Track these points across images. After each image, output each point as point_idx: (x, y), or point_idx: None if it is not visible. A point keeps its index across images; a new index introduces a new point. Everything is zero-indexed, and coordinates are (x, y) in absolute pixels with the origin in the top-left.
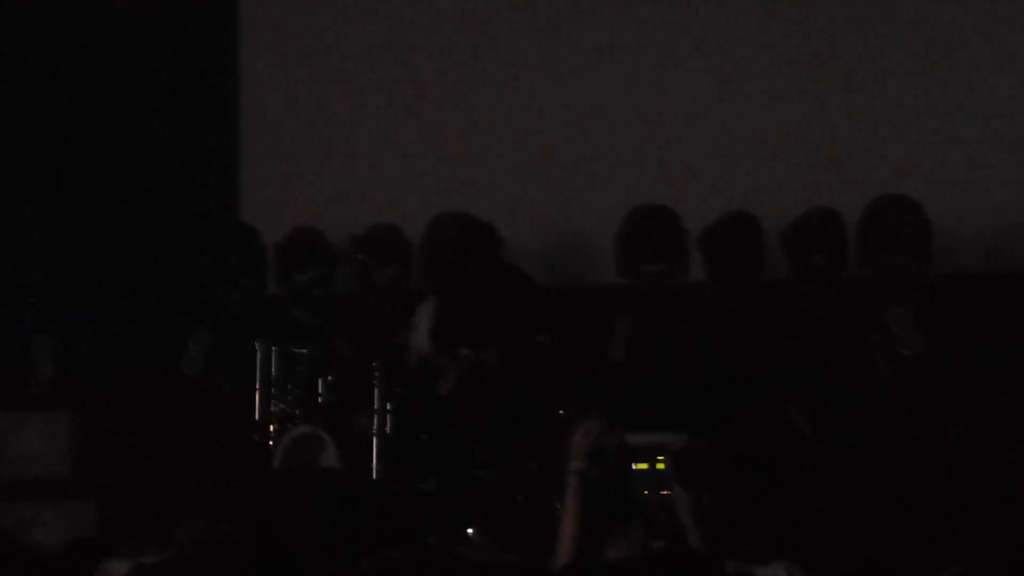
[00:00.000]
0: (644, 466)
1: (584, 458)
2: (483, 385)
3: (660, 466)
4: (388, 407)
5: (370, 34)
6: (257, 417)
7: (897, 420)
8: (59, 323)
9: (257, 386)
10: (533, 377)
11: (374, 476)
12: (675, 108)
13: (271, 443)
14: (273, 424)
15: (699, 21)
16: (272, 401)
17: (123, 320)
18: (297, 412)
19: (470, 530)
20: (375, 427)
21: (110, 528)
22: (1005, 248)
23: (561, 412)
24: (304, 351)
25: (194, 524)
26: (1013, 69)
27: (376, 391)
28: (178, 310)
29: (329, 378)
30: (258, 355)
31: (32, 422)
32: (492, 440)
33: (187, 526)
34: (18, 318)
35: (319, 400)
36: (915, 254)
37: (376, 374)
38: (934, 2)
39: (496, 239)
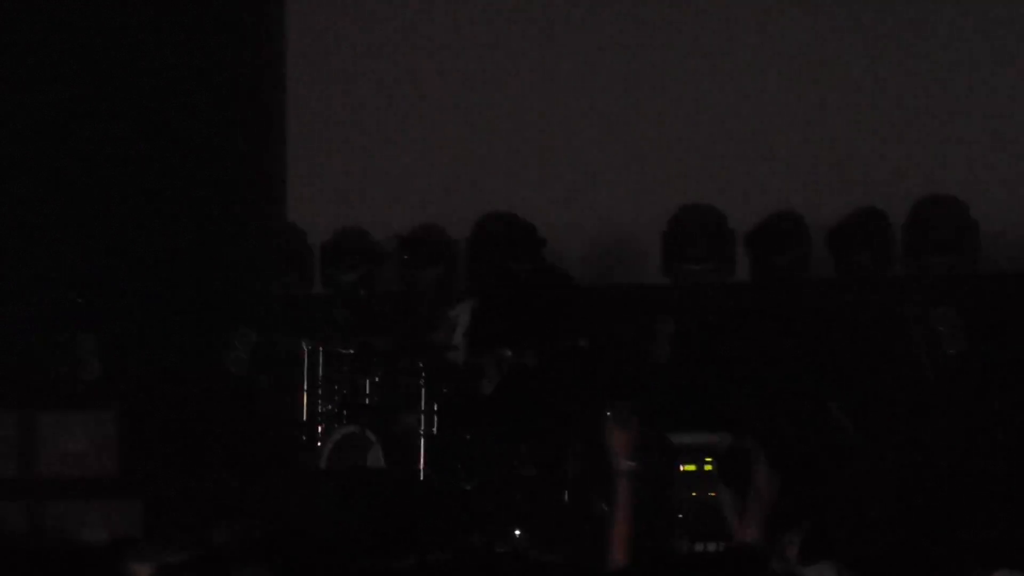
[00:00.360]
0: (692, 467)
1: (633, 456)
2: (524, 386)
3: (708, 467)
4: (434, 407)
5: (416, 38)
6: (303, 417)
7: (941, 418)
8: (104, 321)
9: (303, 386)
10: (571, 379)
11: (420, 476)
12: (721, 108)
13: (318, 443)
14: (319, 424)
15: (742, 23)
16: (318, 401)
17: (169, 318)
18: (343, 412)
19: (516, 531)
20: (421, 427)
21: (156, 526)
22: None
23: (608, 413)
24: (349, 351)
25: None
26: None
27: (422, 391)
28: (224, 309)
29: (375, 378)
30: (303, 355)
31: (78, 421)
32: (534, 440)
33: (221, 527)
34: (63, 316)
35: (365, 400)
36: (960, 254)
37: (422, 374)
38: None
39: (538, 239)
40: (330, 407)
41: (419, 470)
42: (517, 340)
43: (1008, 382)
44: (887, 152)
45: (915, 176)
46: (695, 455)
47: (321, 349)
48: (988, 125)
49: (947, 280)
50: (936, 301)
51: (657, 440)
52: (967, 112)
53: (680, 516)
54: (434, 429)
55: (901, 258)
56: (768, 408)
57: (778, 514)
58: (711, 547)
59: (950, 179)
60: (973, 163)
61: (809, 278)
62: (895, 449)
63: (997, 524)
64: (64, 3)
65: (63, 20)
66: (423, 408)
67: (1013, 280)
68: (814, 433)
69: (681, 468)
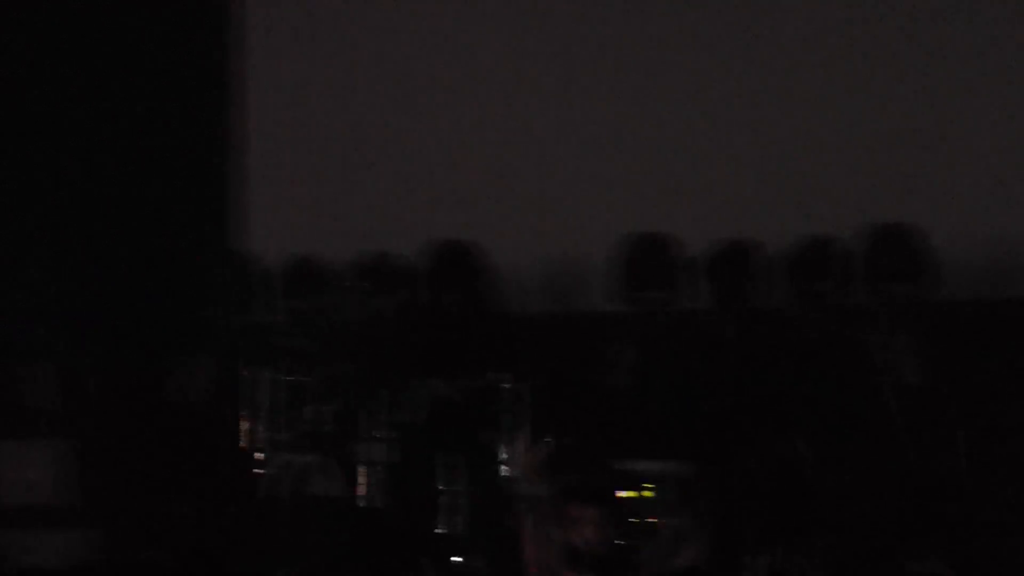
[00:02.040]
0: (632, 494)
1: (535, 479)
2: (448, 415)
3: (647, 494)
4: (392, 435)
5: (373, 63)
6: (260, 446)
7: (901, 447)
8: (61, 351)
9: (259, 415)
10: (490, 414)
11: (377, 504)
12: (677, 134)
13: (273, 471)
14: (275, 452)
15: (698, 49)
16: (274, 430)
17: (124, 347)
18: (300, 440)
19: (457, 558)
20: (379, 455)
21: (114, 555)
22: (1012, 275)
23: (547, 440)
24: (306, 379)
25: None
26: (1017, 96)
27: (381, 419)
28: (181, 338)
29: (332, 407)
30: (260, 383)
31: (34, 450)
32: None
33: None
34: (22, 346)
35: (321, 428)
36: (920, 282)
37: (367, 402)
38: (938, 33)
39: (470, 268)
40: (286, 436)
41: (378, 498)
42: (445, 372)
43: (970, 411)
44: (847, 179)
45: (875, 204)
46: (651, 483)
47: (278, 378)
48: (947, 153)
49: (907, 309)
50: (896, 330)
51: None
52: (927, 140)
53: (622, 543)
54: (391, 458)
55: (861, 286)
56: (726, 436)
57: (741, 540)
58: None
59: (910, 207)
60: (933, 191)
61: (767, 306)
62: (855, 477)
63: (949, 553)
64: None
65: None
66: (380, 437)
67: (974, 308)
68: (773, 461)
69: (622, 495)
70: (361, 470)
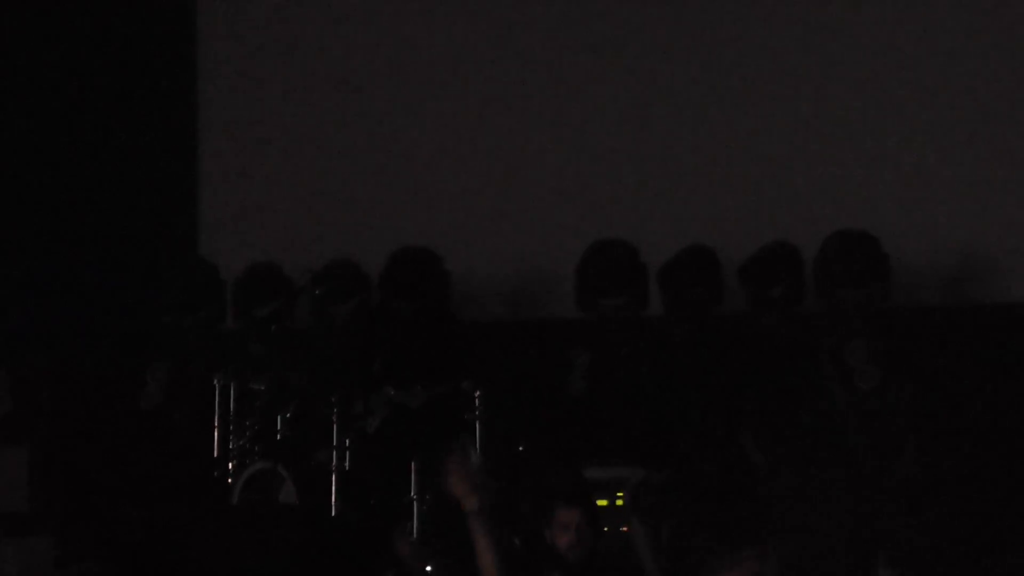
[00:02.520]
0: (604, 502)
1: (473, 495)
2: (406, 425)
3: (619, 502)
4: (347, 442)
5: (330, 70)
6: (215, 452)
7: (852, 453)
8: (15, 357)
9: (215, 421)
10: (452, 421)
11: (332, 512)
12: (633, 142)
13: (229, 479)
14: (231, 459)
15: (657, 58)
16: (230, 436)
17: (80, 354)
18: (255, 447)
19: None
20: (334, 462)
21: (66, 562)
22: (963, 282)
23: (520, 448)
24: (262, 386)
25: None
26: (974, 106)
27: (334, 426)
28: (135, 344)
29: (287, 413)
30: (216, 390)
31: None
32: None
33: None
34: None
35: (277, 435)
36: (872, 288)
37: (335, 409)
38: (895, 39)
39: (427, 276)
40: (242, 442)
41: (332, 506)
42: (399, 379)
43: (922, 417)
44: (798, 186)
45: (826, 210)
46: (607, 489)
47: (233, 384)
48: (899, 158)
49: (859, 314)
50: (848, 335)
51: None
52: (878, 145)
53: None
54: (346, 465)
55: (813, 292)
56: (681, 441)
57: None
58: None
59: (861, 213)
60: (884, 197)
61: (722, 312)
62: (808, 483)
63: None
64: None
65: None
66: (336, 443)
67: (926, 314)
68: (727, 466)
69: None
70: (318, 477)
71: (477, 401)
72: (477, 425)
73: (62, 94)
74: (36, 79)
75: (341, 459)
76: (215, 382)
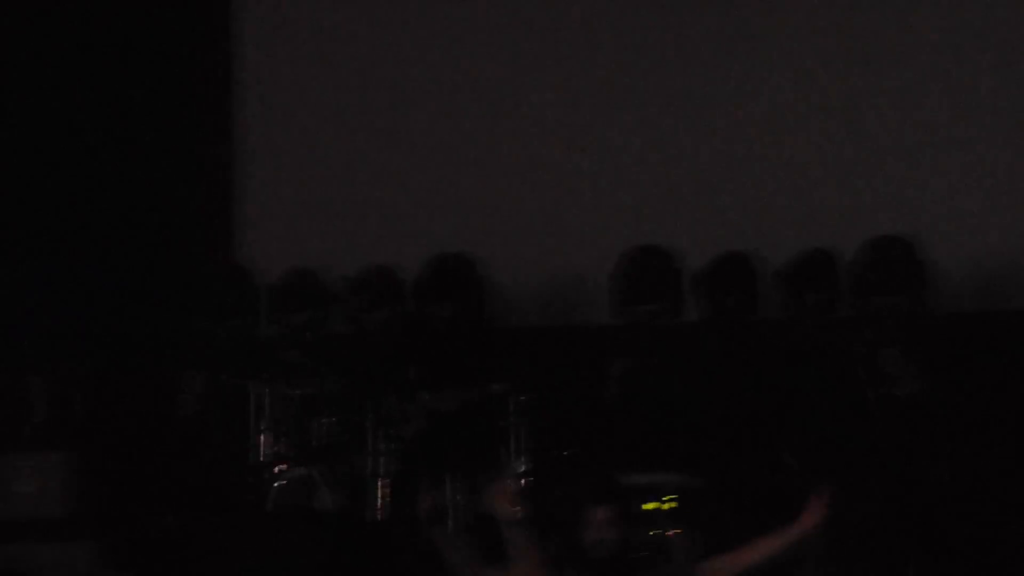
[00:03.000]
0: (653, 505)
1: (513, 511)
2: (442, 430)
3: (668, 506)
4: (382, 448)
5: (369, 76)
6: (250, 459)
7: (888, 460)
8: (51, 363)
9: (250, 427)
10: (485, 424)
11: (368, 518)
12: (671, 148)
13: (264, 485)
14: (267, 466)
15: (691, 63)
16: (265, 443)
17: (117, 360)
18: (290, 454)
19: None
20: (369, 469)
21: (107, 568)
22: (998, 288)
23: (565, 453)
24: (297, 392)
25: None
26: (1011, 111)
27: (370, 433)
28: (172, 351)
29: (322, 420)
30: (251, 396)
31: (26, 464)
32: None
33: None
34: (11, 358)
35: (312, 442)
36: (907, 294)
37: (369, 415)
38: (934, 43)
39: (462, 282)
40: (277, 449)
41: (368, 513)
42: (434, 385)
43: (957, 424)
44: (835, 192)
45: (863, 216)
46: (647, 495)
47: (269, 391)
48: (936, 163)
49: (896, 321)
50: (884, 342)
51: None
52: (916, 151)
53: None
54: (380, 470)
55: (849, 298)
56: (717, 448)
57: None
58: None
59: (897, 218)
60: (920, 202)
61: (758, 318)
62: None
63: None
64: None
65: None
66: (372, 450)
67: (962, 320)
68: (762, 473)
69: (643, 507)
70: (360, 483)
71: (512, 407)
72: (511, 431)
73: (98, 96)
74: (75, 80)
75: (377, 465)
76: (250, 389)
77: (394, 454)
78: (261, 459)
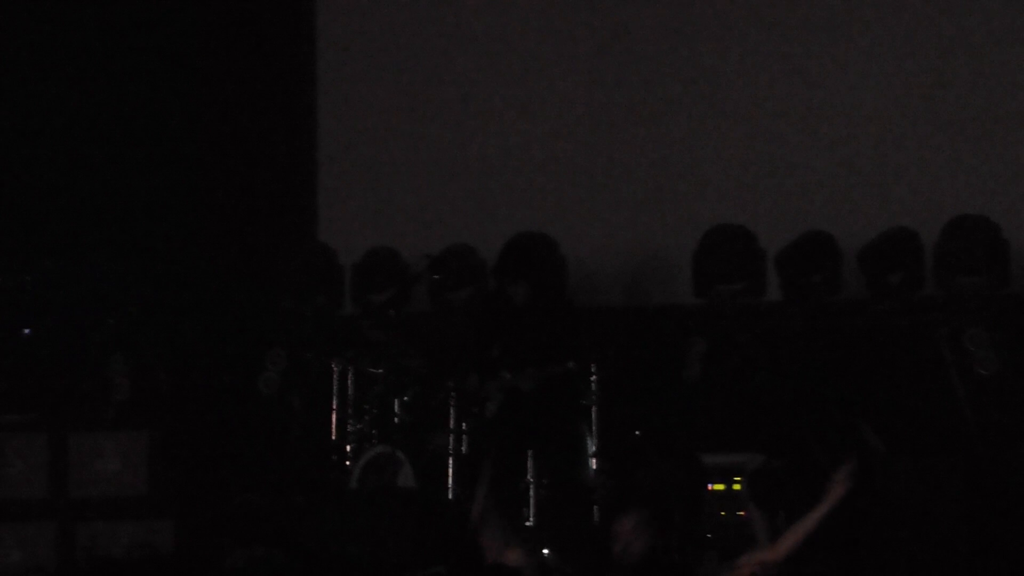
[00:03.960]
0: (721, 487)
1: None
2: (521, 408)
3: (736, 487)
4: (463, 427)
5: (448, 59)
6: (333, 436)
7: (970, 439)
8: (135, 342)
9: (333, 406)
10: (561, 402)
11: (450, 495)
12: (752, 128)
13: (348, 462)
14: (350, 444)
15: (773, 45)
16: (348, 421)
17: (200, 338)
18: (373, 431)
19: (546, 551)
20: (451, 447)
21: (188, 545)
22: None
23: (637, 432)
24: (380, 371)
25: (240, 552)
26: None
27: (451, 411)
28: (255, 329)
29: (405, 398)
30: (334, 374)
31: (109, 442)
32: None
33: (235, 555)
34: (95, 337)
35: (395, 419)
36: (991, 274)
37: (452, 394)
38: (1014, 21)
39: (543, 262)
40: (360, 427)
41: (449, 489)
42: (514, 363)
43: None
44: (918, 172)
45: (946, 196)
46: (725, 475)
47: (352, 369)
48: (1019, 145)
49: (978, 301)
50: (967, 322)
51: (685, 461)
52: (998, 132)
53: (709, 535)
54: (462, 448)
55: (932, 278)
56: (800, 429)
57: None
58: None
59: (981, 199)
60: (1005, 183)
61: (840, 298)
62: (926, 469)
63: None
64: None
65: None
66: (453, 428)
67: None
68: (846, 453)
69: (710, 487)
70: (441, 461)
71: (593, 386)
72: (593, 410)
73: (190, 87)
74: (169, 73)
75: (459, 443)
76: (333, 367)
77: (474, 432)
78: (344, 437)
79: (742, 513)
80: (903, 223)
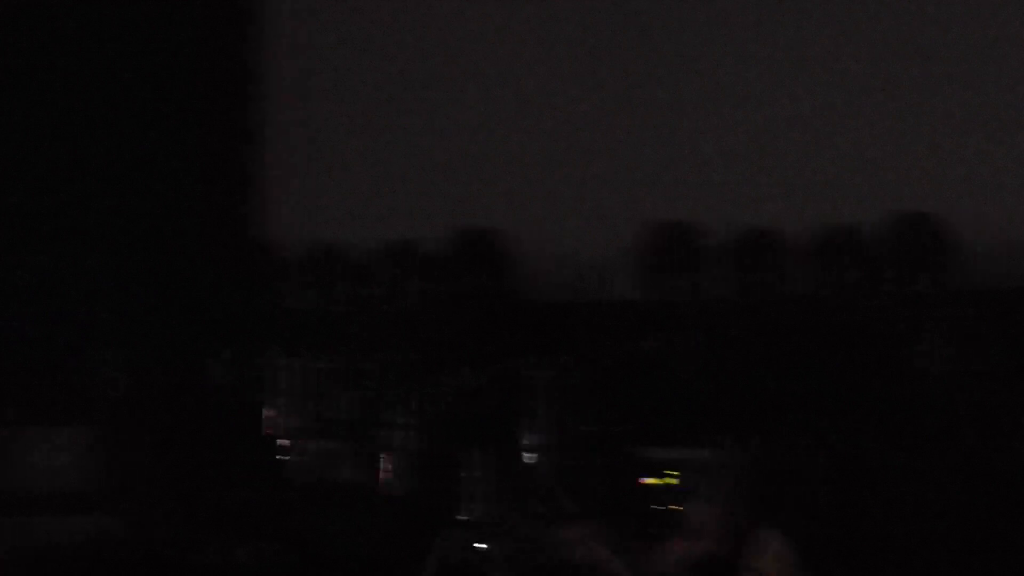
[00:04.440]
0: (656, 481)
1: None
2: (474, 404)
3: (672, 481)
4: (416, 423)
5: (394, 49)
6: (280, 431)
7: (928, 437)
8: (82, 339)
9: (282, 401)
10: (505, 398)
11: (394, 492)
12: (699, 121)
13: (295, 458)
14: (296, 439)
15: (710, 35)
16: (295, 416)
17: (144, 334)
18: (322, 426)
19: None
20: (401, 442)
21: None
22: None
23: (578, 427)
24: (320, 366)
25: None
26: None
27: (403, 406)
28: (203, 324)
29: (345, 394)
30: (283, 370)
31: (55, 436)
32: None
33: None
34: (42, 334)
35: (335, 416)
36: (943, 271)
37: (392, 390)
38: (957, 13)
39: (494, 255)
40: (301, 423)
41: (398, 485)
42: (464, 360)
43: (994, 400)
44: (869, 168)
45: (897, 193)
46: (660, 469)
47: (298, 363)
48: (970, 141)
49: (931, 298)
50: (920, 319)
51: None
52: (949, 128)
53: (644, 530)
54: (411, 445)
55: (884, 276)
56: (749, 424)
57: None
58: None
59: (933, 196)
60: (956, 180)
61: (786, 295)
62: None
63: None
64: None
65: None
66: (395, 425)
67: (998, 297)
68: (796, 448)
69: (644, 481)
70: (383, 457)
71: (537, 382)
72: (536, 406)
73: (125, 85)
74: (99, 65)
75: (408, 440)
76: (283, 363)
77: (416, 429)
78: (292, 432)
79: (677, 508)
80: (854, 219)
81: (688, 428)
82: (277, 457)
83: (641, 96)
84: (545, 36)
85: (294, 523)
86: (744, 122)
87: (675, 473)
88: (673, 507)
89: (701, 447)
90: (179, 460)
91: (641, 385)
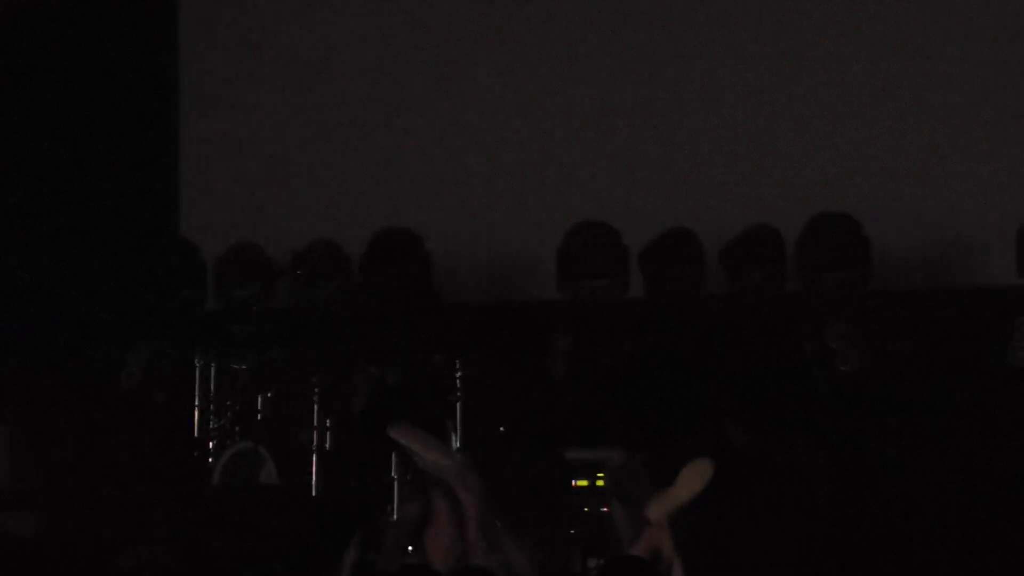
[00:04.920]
0: (584, 483)
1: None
2: (388, 402)
3: (600, 483)
4: (327, 422)
5: (309, 53)
6: (195, 433)
7: (834, 435)
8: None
9: (196, 402)
10: (429, 395)
11: (313, 491)
12: (617, 124)
13: (210, 459)
14: (212, 440)
15: (638, 42)
16: (211, 417)
17: (61, 333)
18: (236, 428)
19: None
20: (315, 442)
21: (49, 538)
22: (942, 264)
23: (501, 428)
24: (243, 366)
25: (132, 552)
26: (957, 93)
27: (315, 407)
28: (117, 324)
29: (268, 394)
30: (197, 370)
31: None
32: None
33: (127, 552)
34: None
35: (258, 416)
36: (853, 271)
37: (315, 389)
38: (879, 24)
39: (408, 257)
40: (223, 423)
41: (312, 486)
42: (380, 357)
43: (901, 399)
44: (780, 169)
45: (808, 193)
46: (588, 471)
47: (214, 364)
48: (881, 142)
49: (840, 297)
50: (829, 318)
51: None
52: (860, 129)
53: (572, 532)
54: (327, 445)
55: (794, 275)
56: (662, 425)
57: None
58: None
59: (843, 196)
60: (866, 180)
61: (702, 295)
62: (788, 466)
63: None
64: None
65: None
66: (316, 424)
67: (906, 297)
68: (709, 449)
69: (574, 483)
70: (298, 457)
71: (458, 382)
72: (458, 406)
73: (45, 80)
74: (26, 71)
75: (322, 439)
76: (196, 362)
77: (339, 428)
78: (206, 433)
79: (605, 509)
80: (765, 219)
81: (607, 429)
82: (196, 457)
83: (564, 98)
84: (466, 39)
85: (206, 524)
86: (666, 124)
87: (602, 475)
88: (603, 508)
89: (620, 448)
90: (95, 460)
91: (559, 385)
